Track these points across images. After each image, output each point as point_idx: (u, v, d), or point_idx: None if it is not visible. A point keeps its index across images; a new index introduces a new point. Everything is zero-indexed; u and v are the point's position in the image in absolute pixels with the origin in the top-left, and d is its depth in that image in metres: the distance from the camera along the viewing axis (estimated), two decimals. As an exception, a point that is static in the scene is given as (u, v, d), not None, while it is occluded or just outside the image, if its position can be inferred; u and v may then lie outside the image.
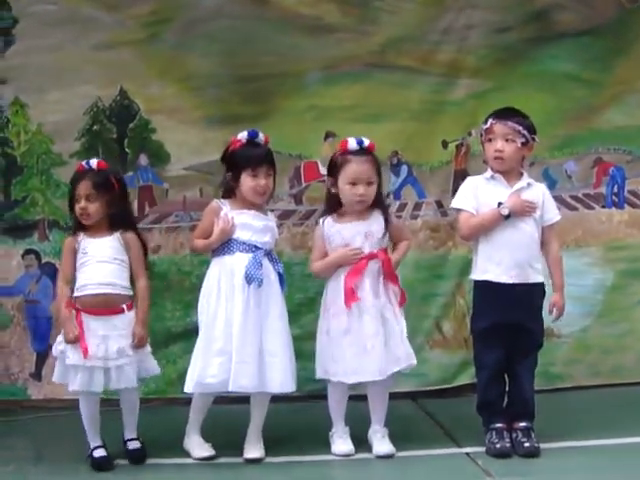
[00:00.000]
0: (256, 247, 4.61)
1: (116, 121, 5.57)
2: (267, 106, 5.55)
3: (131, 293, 4.58)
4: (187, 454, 4.66)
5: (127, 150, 5.57)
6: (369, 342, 4.57)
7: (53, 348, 4.61)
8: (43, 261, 5.56)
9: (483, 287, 4.63)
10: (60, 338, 4.55)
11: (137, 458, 4.61)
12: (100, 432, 4.59)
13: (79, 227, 4.63)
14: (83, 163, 4.68)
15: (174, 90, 5.55)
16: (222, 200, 4.70)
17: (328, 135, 5.62)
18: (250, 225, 4.63)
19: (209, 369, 4.52)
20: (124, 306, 4.55)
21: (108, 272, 4.54)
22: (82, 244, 4.58)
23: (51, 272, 5.54)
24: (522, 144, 4.61)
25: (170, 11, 5.52)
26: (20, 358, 5.56)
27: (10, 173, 5.52)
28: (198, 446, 4.64)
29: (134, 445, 4.64)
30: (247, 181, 4.62)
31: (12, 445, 4.92)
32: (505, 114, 4.63)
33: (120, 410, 4.65)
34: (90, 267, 4.55)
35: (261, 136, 4.68)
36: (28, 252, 5.56)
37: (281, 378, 4.58)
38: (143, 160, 5.58)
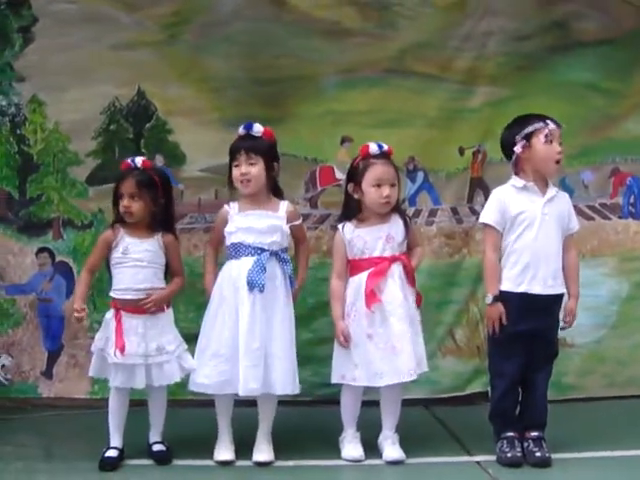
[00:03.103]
0: (262, 249, 4.61)
1: (133, 121, 5.57)
2: (284, 109, 5.53)
3: None
4: (193, 455, 4.67)
5: (143, 150, 5.55)
6: (398, 343, 4.56)
7: (92, 345, 4.66)
8: (57, 260, 5.56)
9: (513, 298, 4.58)
10: (99, 335, 4.62)
11: (163, 460, 4.61)
12: (122, 433, 4.62)
13: (120, 222, 4.65)
14: (128, 160, 4.68)
15: (192, 91, 5.55)
16: (231, 204, 4.72)
17: (344, 140, 5.61)
18: (253, 228, 4.64)
19: (203, 369, 4.59)
20: (164, 305, 4.61)
21: (147, 276, 4.59)
22: (122, 243, 4.61)
23: (65, 271, 5.56)
24: None
25: (190, 13, 5.53)
26: (32, 356, 5.57)
27: (26, 171, 5.52)
28: (219, 449, 4.65)
29: (159, 447, 4.65)
30: (233, 172, 4.67)
31: (22, 442, 4.93)
32: (551, 118, 4.63)
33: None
34: (130, 270, 4.59)
35: (257, 128, 4.69)
36: (42, 250, 5.56)
37: (284, 380, 4.59)
38: (159, 161, 5.56)
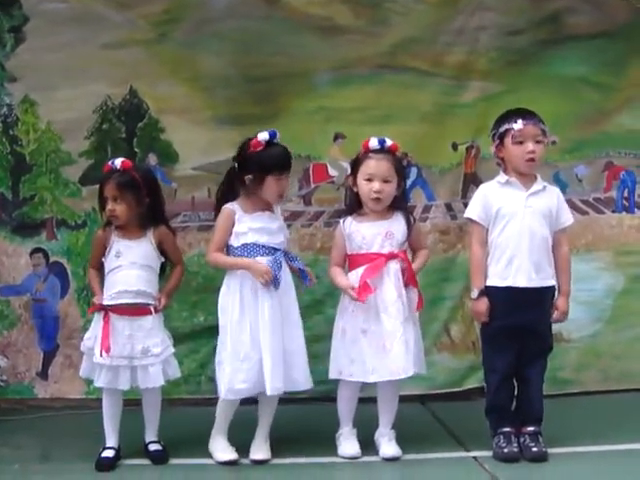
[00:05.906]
0: (274, 249, 4.60)
1: (125, 120, 5.55)
2: (276, 106, 5.53)
3: (156, 296, 4.63)
4: (189, 454, 4.67)
5: (136, 149, 5.55)
6: (387, 341, 4.56)
7: (82, 344, 4.65)
8: (51, 260, 5.55)
9: (500, 292, 4.59)
10: (89, 334, 4.60)
11: (159, 459, 4.61)
12: (118, 433, 4.61)
13: (110, 225, 4.64)
14: (109, 162, 4.66)
15: (184, 90, 5.53)
16: (232, 204, 4.64)
17: (337, 137, 5.61)
18: (267, 228, 4.61)
19: (239, 375, 4.52)
20: (151, 308, 4.58)
21: (139, 280, 4.58)
22: (115, 245, 4.61)
23: (59, 271, 5.55)
24: (544, 145, 4.61)
25: (181, 10, 5.51)
26: (27, 357, 5.56)
27: (19, 171, 5.51)
28: (222, 450, 4.62)
29: (155, 447, 4.65)
30: (272, 184, 4.58)
31: (18, 444, 4.92)
32: (530, 115, 4.60)
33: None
34: (123, 273, 4.58)
35: (279, 135, 4.64)
36: (36, 251, 5.54)
37: (304, 376, 4.62)
38: (152, 159, 5.56)
